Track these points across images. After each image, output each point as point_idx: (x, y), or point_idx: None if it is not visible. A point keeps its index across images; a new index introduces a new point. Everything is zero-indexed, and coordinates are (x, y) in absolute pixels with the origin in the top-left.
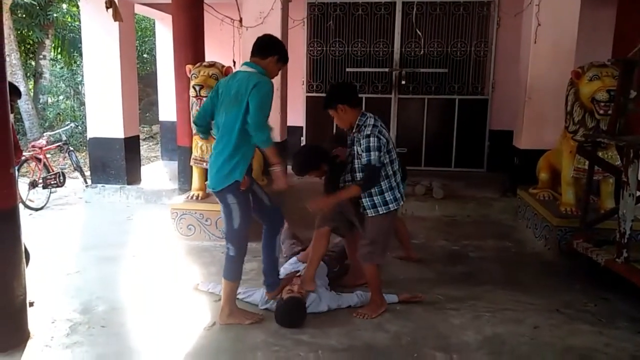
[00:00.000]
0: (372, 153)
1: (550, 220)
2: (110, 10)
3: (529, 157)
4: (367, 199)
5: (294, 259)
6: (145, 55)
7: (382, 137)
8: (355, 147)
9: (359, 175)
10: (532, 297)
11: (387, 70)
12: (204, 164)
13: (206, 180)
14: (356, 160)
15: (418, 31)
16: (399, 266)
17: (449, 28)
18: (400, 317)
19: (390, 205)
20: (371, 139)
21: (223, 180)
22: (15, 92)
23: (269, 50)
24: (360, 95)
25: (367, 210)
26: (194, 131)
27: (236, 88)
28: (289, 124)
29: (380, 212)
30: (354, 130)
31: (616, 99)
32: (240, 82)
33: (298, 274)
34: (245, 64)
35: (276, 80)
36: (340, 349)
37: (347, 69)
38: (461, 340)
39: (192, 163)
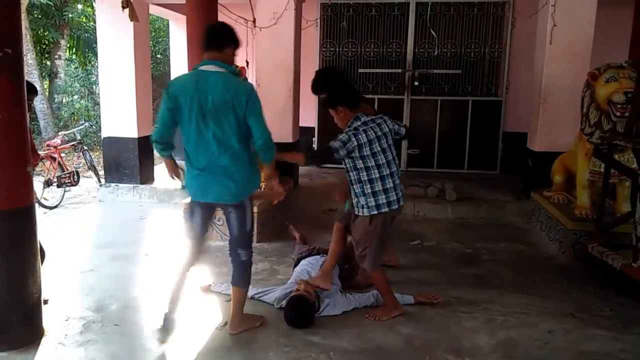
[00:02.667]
0: (337, 143)
1: (564, 224)
2: (126, 10)
3: (543, 159)
4: (355, 199)
5: (306, 261)
6: (158, 56)
7: (353, 139)
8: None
9: (352, 174)
10: (546, 301)
11: (400, 71)
12: None
13: None
14: (344, 161)
15: (432, 32)
16: (411, 269)
17: (463, 29)
18: (412, 319)
19: (365, 210)
20: (344, 135)
21: (247, 189)
22: (32, 89)
23: (224, 40)
24: (372, 96)
25: (359, 210)
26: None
27: (220, 95)
28: (301, 124)
29: (361, 214)
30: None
31: (633, 101)
32: (223, 87)
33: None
34: (210, 62)
35: (288, 81)
36: (351, 351)
37: (360, 70)
38: (474, 343)
39: None
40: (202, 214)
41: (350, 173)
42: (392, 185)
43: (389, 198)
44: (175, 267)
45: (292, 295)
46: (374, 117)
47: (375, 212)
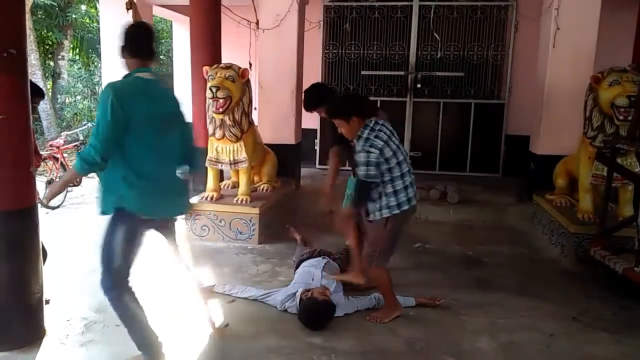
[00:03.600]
0: (362, 168)
1: (567, 227)
2: (131, 11)
3: (545, 162)
4: (370, 203)
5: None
6: (161, 57)
7: (372, 150)
8: (357, 154)
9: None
10: (548, 304)
11: (402, 73)
12: (219, 165)
13: (221, 181)
14: (358, 168)
15: (435, 34)
16: (413, 271)
17: (466, 31)
18: (413, 322)
19: (385, 211)
20: (362, 154)
21: (189, 203)
22: (38, 93)
23: (153, 44)
24: (375, 99)
25: (370, 214)
26: (210, 132)
27: (169, 105)
28: (303, 126)
29: (378, 217)
30: (356, 138)
31: (636, 105)
32: (168, 96)
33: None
34: (146, 70)
35: (291, 83)
36: (353, 353)
37: (363, 72)
38: (475, 346)
39: (207, 164)
40: (144, 233)
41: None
42: (410, 182)
43: (408, 195)
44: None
45: (324, 300)
46: (375, 120)
47: (397, 211)
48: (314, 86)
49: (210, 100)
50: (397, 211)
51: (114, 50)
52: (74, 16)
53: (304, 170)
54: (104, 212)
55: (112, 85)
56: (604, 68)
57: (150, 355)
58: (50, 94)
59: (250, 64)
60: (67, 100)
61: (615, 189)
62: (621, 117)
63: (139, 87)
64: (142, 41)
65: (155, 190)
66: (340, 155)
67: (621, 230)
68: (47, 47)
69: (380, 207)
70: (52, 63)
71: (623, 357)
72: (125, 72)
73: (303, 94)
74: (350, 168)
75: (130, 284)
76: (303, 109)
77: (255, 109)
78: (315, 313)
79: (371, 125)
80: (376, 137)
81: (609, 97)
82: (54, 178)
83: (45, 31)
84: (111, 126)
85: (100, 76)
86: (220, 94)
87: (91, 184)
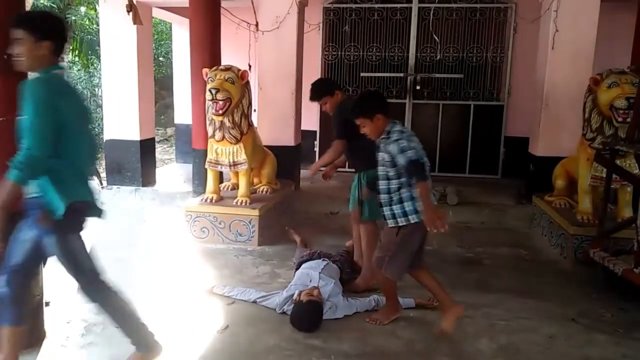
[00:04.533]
0: (409, 151)
1: (566, 229)
2: (130, 14)
3: (545, 164)
4: (398, 205)
5: (307, 265)
6: (161, 59)
7: (413, 138)
8: (382, 154)
9: (383, 182)
10: (547, 305)
11: (402, 75)
12: (219, 166)
13: (221, 182)
14: (381, 168)
15: (435, 36)
16: None
17: (465, 33)
18: (413, 323)
19: (413, 217)
20: (402, 141)
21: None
22: None
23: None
24: None
25: (388, 220)
26: (209, 133)
27: (83, 101)
28: (303, 128)
29: (404, 222)
30: (382, 136)
31: (635, 107)
32: (77, 92)
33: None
34: (61, 67)
35: (290, 85)
36: (352, 355)
37: (362, 74)
38: (475, 348)
39: (207, 166)
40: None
41: (397, 180)
42: (431, 189)
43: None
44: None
45: (309, 300)
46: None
47: (407, 221)
48: (321, 79)
49: (210, 102)
50: (415, 219)
51: (113, 52)
52: (73, 18)
53: (304, 172)
54: (57, 215)
55: (39, 81)
56: (602, 70)
57: (147, 348)
58: None
59: (250, 66)
60: None
61: (615, 190)
62: (620, 119)
63: (62, 82)
64: (60, 33)
65: (90, 190)
66: (343, 153)
67: (620, 232)
68: None
69: (410, 211)
70: None
71: (622, 358)
72: (42, 66)
73: (310, 86)
74: (353, 170)
75: (106, 281)
76: (309, 101)
77: (254, 110)
78: (301, 316)
79: (398, 124)
80: (409, 134)
81: (607, 98)
82: None
83: None
84: (45, 127)
85: (100, 78)
86: (219, 96)
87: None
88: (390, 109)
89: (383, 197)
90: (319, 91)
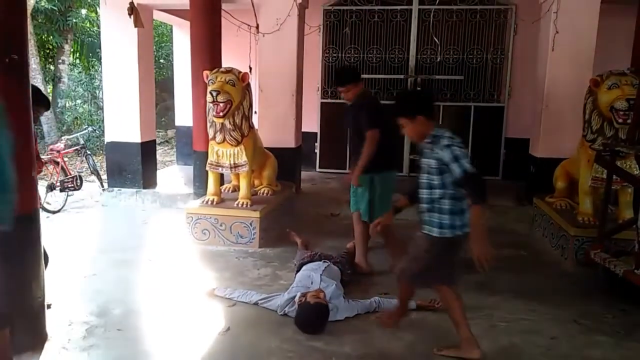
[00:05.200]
0: (462, 161)
1: (567, 230)
2: (132, 16)
3: (545, 165)
4: (437, 215)
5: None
6: (161, 61)
7: (463, 147)
8: (427, 160)
9: (425, 191)
10: (548, 307)
11: (402, 77)
12: (220, 168)
13: (222, 184)
14: (425, 176)
15: (435, 38)
16: None
17: (465, 35)
18: (415, 325)
19: (445, 231)
20: (453, 147)
21: None
22: (44, 103)
23: None
24: None
25: (423, 225)
26: (210, 136)
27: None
28: (303, 129)
29: (439, 235)
30: (427, 141)
31: (635, 108)
32: None
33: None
34: None
35: (291, 86)
36: (354, 357)
37: (363, 76)
38: None
39: (207, 168)
40: None
41: (441, 190)
42: (466, 205)
43: (464, 220)
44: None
45: (317, 302)
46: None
47: (467, 230)
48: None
49: (211, 104)
50: (467, 230)
51: (114, 54)
52: (74, 20)
53: (305, 174)
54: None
55: None
56: (603, 71)
57: None
58: (50, 98)
59: (251, 68)
60: (67, 104)
61: (615, 191)
62: (620, 120)
63: None
64: None
65: None
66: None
67: (621, 233)
68: (48, 51)
69: (449, 225)
70: (52, 67)
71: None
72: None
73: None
74: (349, 172)
75: None
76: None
77: (255, 112)
78: (308, 318)
79: (447, 130)
80: (460, 142)
81: (608, 100)
82: (54, 182)
83: (45, 35)
84: (6, 145)
85: (101, 80)
86: (220, 98)
87: (92, 188)
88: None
89: (424, 206)
90: (347, 77)
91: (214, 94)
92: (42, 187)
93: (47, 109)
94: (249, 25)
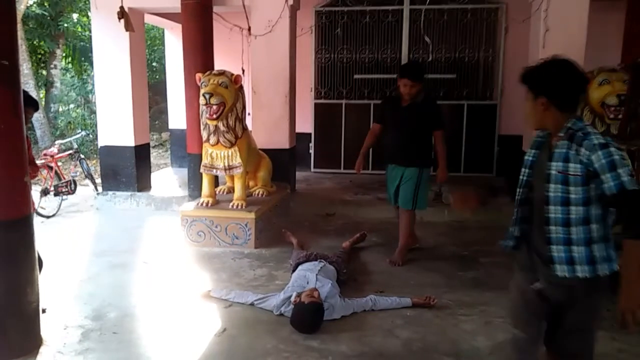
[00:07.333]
0: (620, 170)
1: None
2: (122, 20)
3: None
4: (557, 247)
5: (304, 266)
6: (154, 64)
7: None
8: (559, 164)
9: (554, 208)
10: None
11: (395, 76)
12: (214, 171)
13: (216, 186)
14: (554, 186)
15: (426, 38)
16: (408, 272)
17: (457, 34)
18: (411, 323)
19: (603, 266)
20: (612, 149)
21: None
22: (32, 104)
23: None
24: (368, 102)
25: (551, 266)
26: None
27: None
28: (297, 130)
29: (590, 274)
30: (561, 134)
31: (626, 103)
32: None
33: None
34: None
35: (284, 88)
36: (351, 355)
37: (355, 76)
38: (472, 346)
39: (202, 170)
40: None
41: (583, 208)
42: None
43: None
44: (175, 274)
45: (311, 302)
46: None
47: (615, 267)
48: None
49: (204, 107)
50: (615, 267)
51: (106, 58)
52: (65, 25)
53: (299, 174)
54: None
55: None
56: (594, 67)
57: None
58: (43, 102)
59: (243, 70)
60: (60, 109)
61: None
62: (611, 116)
63: None
64: None
65: None
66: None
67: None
68: (40, 56)
69: (594, 258)
70: (44, 72)
71: (618, 353)
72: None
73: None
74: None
75: None
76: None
77: (249, 114)
78: (303, 317)
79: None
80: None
81: (599, 96)
82: (48, 187)
83: (37, 40)
84: None
85: (93, 84)
86: (213, 101)
87: (86, 192)
88: None
89: (553, 230)
90: (422, 73)
91: (207, 96)
92: (36, 192)
93: (36, 109)
94: (241, 28)
